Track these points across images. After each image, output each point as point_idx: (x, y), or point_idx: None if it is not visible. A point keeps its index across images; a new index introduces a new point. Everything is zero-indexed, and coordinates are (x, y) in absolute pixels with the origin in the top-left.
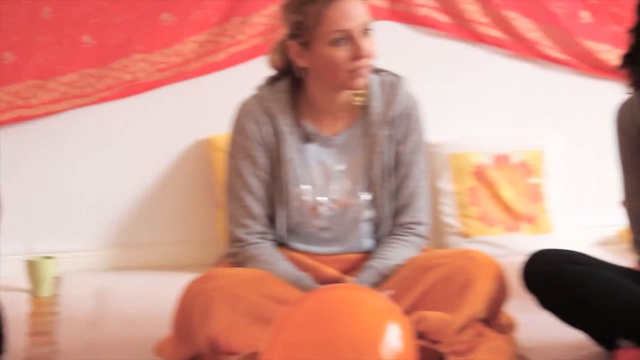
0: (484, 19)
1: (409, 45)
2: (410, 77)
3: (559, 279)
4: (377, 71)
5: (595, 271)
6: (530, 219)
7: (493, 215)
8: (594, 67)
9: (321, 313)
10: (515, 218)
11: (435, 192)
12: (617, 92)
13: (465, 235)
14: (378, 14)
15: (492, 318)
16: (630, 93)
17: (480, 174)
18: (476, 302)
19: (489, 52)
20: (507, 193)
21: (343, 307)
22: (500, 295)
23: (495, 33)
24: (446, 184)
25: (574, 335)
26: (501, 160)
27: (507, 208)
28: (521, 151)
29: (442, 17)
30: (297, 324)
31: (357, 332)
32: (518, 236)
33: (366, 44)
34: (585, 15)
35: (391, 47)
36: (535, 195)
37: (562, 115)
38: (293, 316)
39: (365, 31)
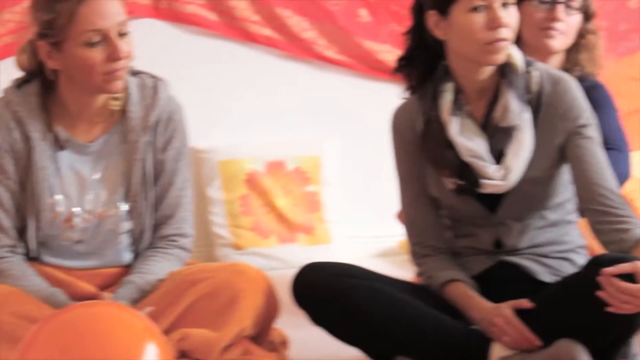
0: (255, 17)
1: (174, 44)
2: (175, 79)
3: (331, 293)
4: (137, 73)
5: (370, 284)
6: (306, 229)
7: (267, 226)
8: (373, 68)
9: (72, 331)
10: (290, 228)
11: (204, 202)
12: (398, 95)
13: (237, 247)
14: (139, 11)
15: (262, 335)
16: (406, 97)
17: (252, 182)
18: (244, 319)
19: (261, 52)
20: (282, 202)
21: (96, 326)
22: (270, 310)
23: (267, 32)
24: (216, 193)
25: (349, 352)
26: (275, 167)
27: (282, 218)
28: (297, 157)
29: (211, 15)
30: (45, 343)
31: (111, 353)
32: (294, 247)
33: (123, 45)
34: (364, 14)
35: (154, 47)
36: (312, 204)
37: (340, 119)
38: (41, 335)
39: (123, 31)
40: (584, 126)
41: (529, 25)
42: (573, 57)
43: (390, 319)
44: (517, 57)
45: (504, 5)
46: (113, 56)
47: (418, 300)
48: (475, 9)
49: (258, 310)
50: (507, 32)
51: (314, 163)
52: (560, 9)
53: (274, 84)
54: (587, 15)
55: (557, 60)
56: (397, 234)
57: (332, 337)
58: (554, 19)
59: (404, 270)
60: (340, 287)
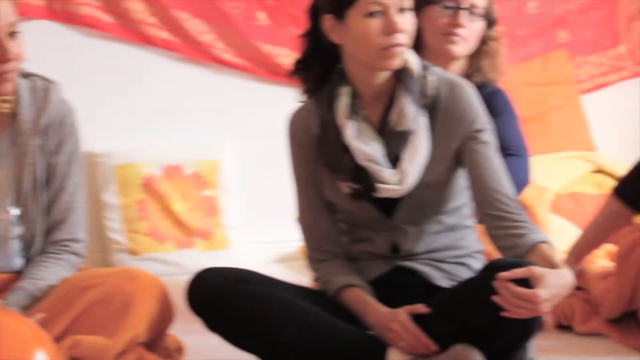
0: (151, 20)
1: (67, 46)
2: (70, 81)
3: (225, 299)
4: (28, 75)
5: (266, 290)
6: (204, 234)
7: (164, 231)
8: (272, 71)
9: None
10: (188, 233)
11: (99, 206)
12: (296, 99)
13: (133, 253)
14: (32, 12)
15: (156, 341)
16: (303, 101)
17: (149, 186)
18: (137, 325)
19: (157, 55)
20: (179, 207)
21: None
22: (164, 316)
23: (164, 35)
24: (112, 197)
25: (245, 359)
26: (172, 172)
27: (179, 223)
28: (194, 161)
29: (106, 17)
30: None
31: None
32: (192, 253)
33: (13, 46)
34: (262, 17)
35: (47, 48)
36: (210, 208)
37: (238, 123)
38: None
39: (13, 32)
40: (479, 131)
41: (432, 30)
42: (475, 63)
43: (286, 324)
44: (414, 61)
45: (401, 10)
46: (3, 58)
47: (314, 306)
48: (371, 14)
49: (152, 316)
50: (403, 38)
51: (211, 167)
52: (463, 15)
53: (171, 87)
54: (490, 22)
55: (459, 65)
56: (296, 239)
57: (228, 344)
58: (456, 24)
59: (302, 276)
60: (235, 293)
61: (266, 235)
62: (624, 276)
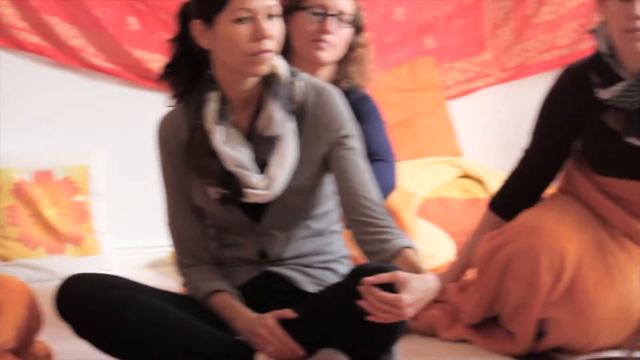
0: (22, 24)
1: None
2: None
3: (93, 305)
4: None
5: (133, 296)
6: (75, 240)
7: (35, 237)
8: (143, 77)
9: None
10: (59, 239)
11: None
12: (166, 104)
13: (3, 259)
14: None
15: (25, 348)
16: (172, 106)
17: (19, 192)
18: (5, 331)
19: (28, 60)
20: (50, 212)
21: None
22: (32, 323)
23: (35, 39)
24: None
25: None
26: (43, 177)
27: (50, 228)
28: (65, 167)
29: None
30: None
31: None
32: (63, 258)
33: None
34: (132, 22)
35: None
36: (81, 214)
37: (109, 128)
38: None
39: None
40: (346, 137)
41: (300, 36)
42: (343, 69)
43: (153, 330)
44: (282, 67)
45: (269, 16)
46: None
47: (183, 312)
48: (239, 20)
49: (20, 322)
50: (271, 44)
51: (82, 173)
52: (331, 22)
53: (42, 92)
54: (358, 29)
55: (327, 71)
56: (167, 244)
57: (97, 350)
58: (324, 31)
59: (172, 281)
60: (102, 299)
61: (137, 241)
62: (485, 282)
